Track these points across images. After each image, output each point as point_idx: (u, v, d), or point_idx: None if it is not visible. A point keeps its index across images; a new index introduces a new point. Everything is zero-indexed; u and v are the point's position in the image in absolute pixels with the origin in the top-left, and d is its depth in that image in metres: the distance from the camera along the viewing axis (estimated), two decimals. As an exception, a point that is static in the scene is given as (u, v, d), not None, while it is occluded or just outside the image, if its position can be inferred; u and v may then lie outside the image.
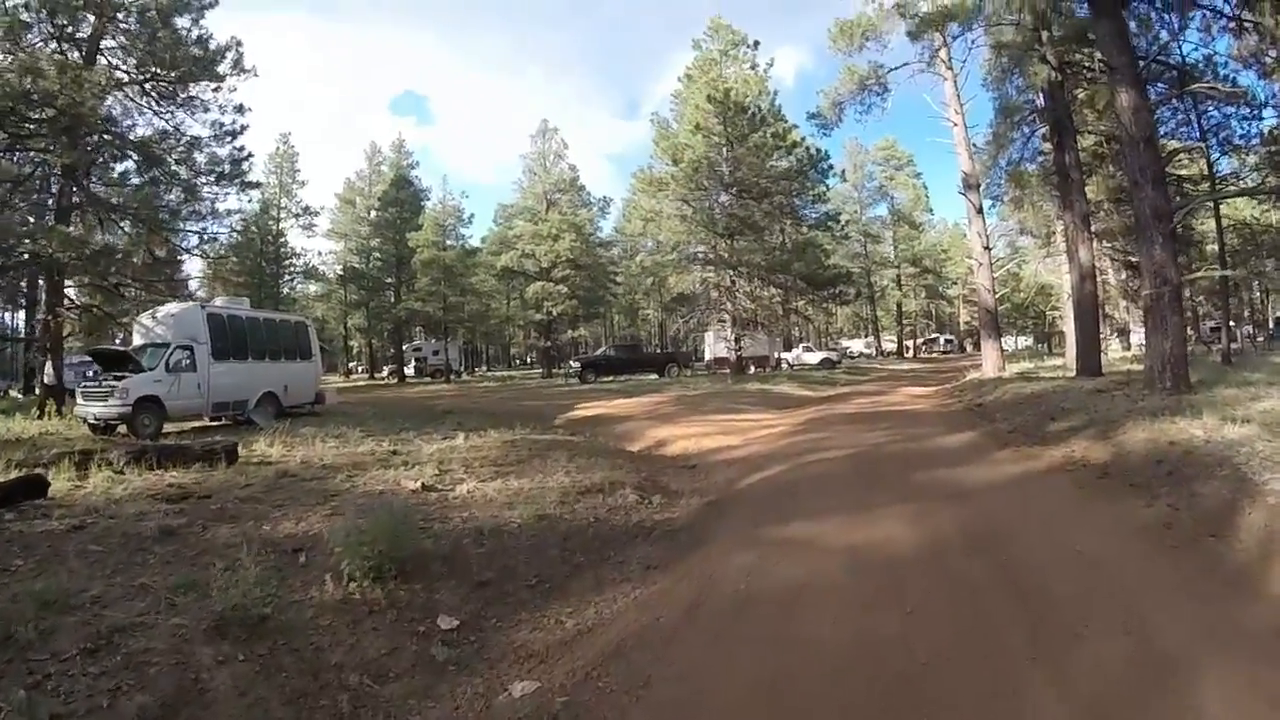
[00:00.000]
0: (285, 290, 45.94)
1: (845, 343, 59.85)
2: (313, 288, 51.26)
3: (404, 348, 49.03)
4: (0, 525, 5.26)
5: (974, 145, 21.79)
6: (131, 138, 18.29)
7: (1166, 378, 10.77)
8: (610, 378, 30.73)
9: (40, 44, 16.15)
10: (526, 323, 47.21)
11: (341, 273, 48.01)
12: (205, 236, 20.89)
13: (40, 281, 19.62)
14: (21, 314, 28.35)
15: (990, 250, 23.09)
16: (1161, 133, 16.02)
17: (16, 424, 13.39)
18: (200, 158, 19.28)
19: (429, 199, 47.13)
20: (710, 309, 31.43)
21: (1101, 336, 20.07)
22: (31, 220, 17.92)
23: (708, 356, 38.21)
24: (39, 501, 6.01)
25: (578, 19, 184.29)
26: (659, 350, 46.47)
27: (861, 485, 7.49)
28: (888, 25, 20.94)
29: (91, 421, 13.09)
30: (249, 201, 26.55)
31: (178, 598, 3.94)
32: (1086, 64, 16.22)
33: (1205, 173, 19.34)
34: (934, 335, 68.46)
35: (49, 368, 17.21)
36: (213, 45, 18.54)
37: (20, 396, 23.50)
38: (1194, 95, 16.18)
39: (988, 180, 21.48)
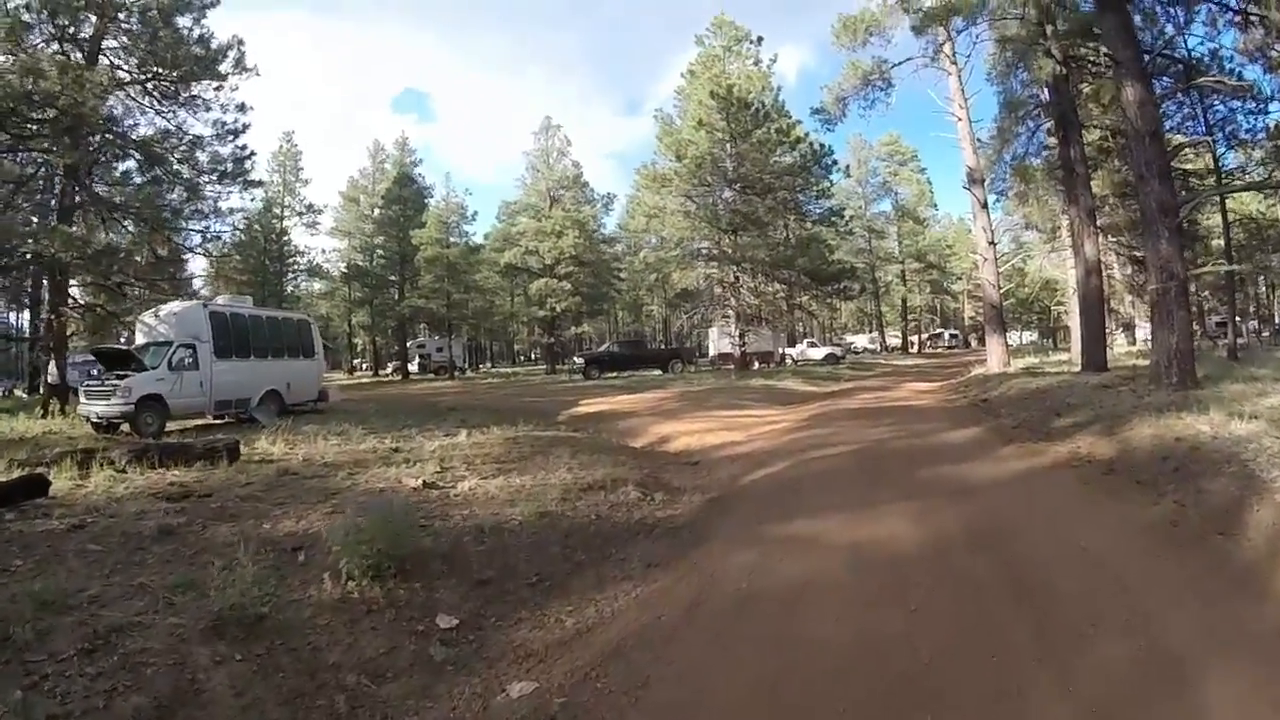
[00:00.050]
0: (289, 288, 46.11)
1: (850, 338, 59.91)
2: (317, 285, 51.46)
3: (408, 345, 49.08)
4: (0, 525, 5.25)
5: (978, 140, 21.69)
6: (133, 137, 18.36)
7: (1173, 373, 10.71)
8: (614, 374, 30.70)
9: (42, 45, 16.17)
10: (530, 319, 47.16)
11: (345, 270, 48.16)
12: (208, 235, 21.03)
13: (44, 281, 19.66)
14: (26, 314, 28.48)
15: (995, 245, 23.02)
16: (1167, 127, 15.91)
17: (20, 423, 13.45)
18: (202, 157, 19.37)
19: (432, 196, 47.22)
20: (714, 305, 31.44)
21: (1107, 331, 19.95)
22: (34, 220, 18.01)
23: (712, 352, 38.21)
24: (40, 501, 6.01)
25: (578, 18, 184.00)
26: (663, 346, 46.47)
27: (865, 482, 7.45)
28: (891, 20, 20.85)
29: (94, 420, 13.13)
30: (252, 200, 26.63)
31: (176, 597, 3.92)
32: (1091, 58, 16.12)
33: (1211, 167, 19.23)
34: (938, 330, 68.27)
35: (53, 367, 17.25)
36: (214, 44, 18.60)
37: (25, 396, 23.58)
38: (1200, 89, 16.10)
39: (992, 175, 21.35)
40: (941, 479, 7.30)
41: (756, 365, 31.76)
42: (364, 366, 58.73)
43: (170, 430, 13.38)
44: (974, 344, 59.74)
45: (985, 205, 22.02)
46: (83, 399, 13.70)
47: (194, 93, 18.71)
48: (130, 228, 18.77)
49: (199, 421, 14.79)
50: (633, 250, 50.56)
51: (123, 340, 21.03)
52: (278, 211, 44.70)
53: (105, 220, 18.23)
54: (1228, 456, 5.86)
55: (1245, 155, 19.08)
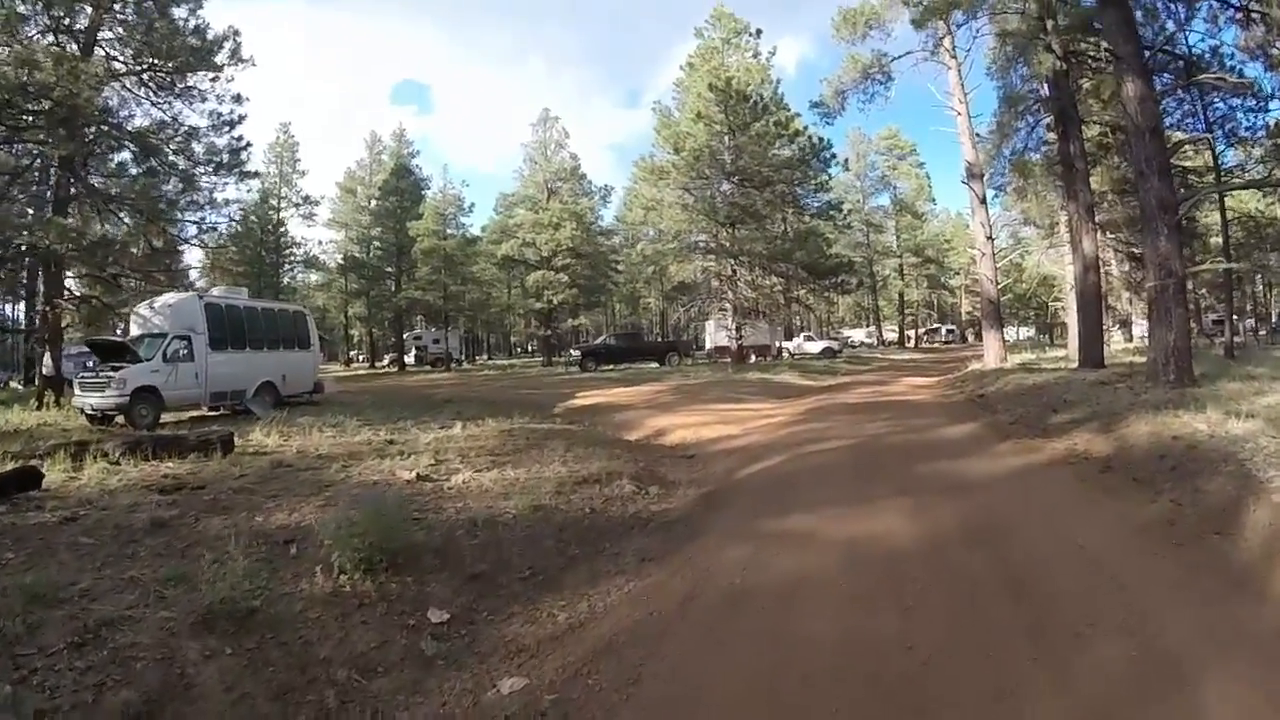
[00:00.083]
0: (286, 280, 45.96)
1: (847, 332, 59.92)
2: (313, 277, 51.29)
3: (404, 337, 49.03)
4: (-8, 517, 5.22)
5: (978, 135, 21.64)
6: (129, 128, 18.19)
7: (1170, 370, 10.70)
8: (610, 366, 30.75)
9: (37, 36, 16.05)
10: (527, 311, 47.14)
11: (342, 262, 48.03)
12: (204, 226, 20.82)
13: (39, 273, 19.58)
14: (21, 306, 28.37)
15: (993, 240, 22.98)
16: (1166, 124, 15.84)
17: (15, 415, 13.39)
18: (198, 148, 19.19)
19: (429, 188, 47.18)
20: (711, 298, 31.41)
21: (1104, 328, 19.97)
22: (30, 212, 17.90)
23: (708, 345, 38.24)
24: (33, 493, 5.97)
25: (579, 10, 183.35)
26: (660, 339, 46.46)
27: (861, 477, 7.44)
28: (891, 13, 20.80)
29: (89, 412, 13.10)
30: (248, 191, 26.66)
31: (167, 590, 3.91)
32: (1092, 53, 16.07)
33: (1210, 165, 19.23)
34: (936, 325, 68.39)
35: (48, 359, 17.18)
36: (210, 35, 18.40)
37: (20, 388, 23.49)
38: (1200, 86, 16.06)
39: (991, 170, 21.32)
40: (938, 475, 7.29)
41: (753, 359, 31.77)
42: (360, 358, 58.70)
43: (165, 422, 13.33)
44: (971, 339, 59.88)
45: (984, 200, 21.98)
46: (77, 391, 13.66)
47: (190, 84, 18.55)
48: (126, 219, 18.62)
49: (194, 413, 14.75)
50: (630, 243, 50.49)
51: (118, 332, 20.99)
52: (274, 203, 44.52)
53: (101, 212, 18.09)
54: (1225, 456, 5.84)
55: (1245, 153, 19.10)
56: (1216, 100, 17.60)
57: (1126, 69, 11.67)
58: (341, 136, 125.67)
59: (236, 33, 18.77)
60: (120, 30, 17.48)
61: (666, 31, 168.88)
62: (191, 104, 18.87)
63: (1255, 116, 17.32)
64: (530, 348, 67.60)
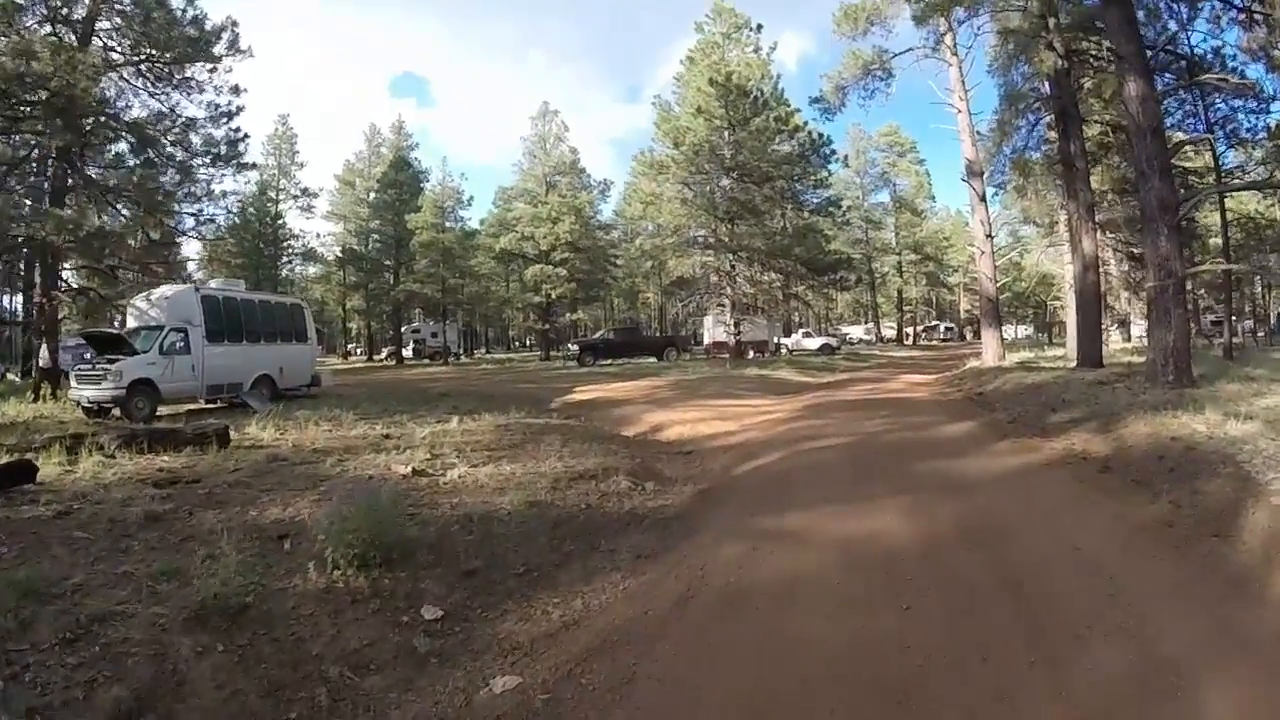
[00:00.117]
0: (284, 272, 45.93)
1: (845, 329, 59.83)
2: (311, 269, 51.32)
3: (402, 330, 48.96)
4: (-14, 511, 5.19)
5: (978, 132, 21.63)
6: (126, 119, 18.09)
7: (1169, 371, 10.70)
8: (609, 361, 30.75)
9: (35, 26, 15.98)
10: (525, 305, 47.01)
11: (340, 254, 47.96)
12: (201, 218, 20.74)
13: (36, 265, 19.48)
14: (18, 297, 28.30)
15: (992, 238, 23.00)
16: (1167, 124, 15.83)
17: (11, 407, 13.37)
18: (196, 139, 19.11)
19: (428, 181, 46.97)
20: (710, 293, 31.36)
21: (1103, 327, 19.96)
22: (27, 203, 17.80)
23: (707, 341, 38.16)
24: (27, 487, 5.93)
25: (579, 5, 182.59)
26: (658, 334, 46.41)
27: (858, 475, 7.42)
28: (892, 10, 20.72)
29: (85, 405, 13.06)
30: (246, 183, 26.44)
31: (159, 586, 3.88)
32: (1094, 52, 16.05)
33: (1210, 165, 19.20)
34: (934, 323, 68.34)
35: (44, 351, 17.13)
36: (208, 26, 18.33)
37: (18, 379, 23.44)
38: (1202, 87, 16.05)
39: (991, 168, 21.31)
40: (936, 474, 7.27)
41: (751, 355, 31.72)
42: (358, 351, 58.58)
43: (161, 415, 13.30)
44: (969, 337, 59.93)
45: (984, 198, 22.00)
46: (74, 383, 13.61)
47: (187, 74, 18.46)
48: (123, 211, 18.56)
49: (190, 406, 14.71)
50: (629, 237, 50.52)
51: (116, 324, 20.93)
52: (272, 195, 44.45)
53: (98, 203, 18.03)
54: (1223, 457, 5.83)
55: (1245, 154, 19.07)
56: (1218, 101, 17.59)
57: (1128, 68, 11.64)
58: (340, 129, 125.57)
59: (235, 23, 18.74)
60: (118, 20, 17.40)
61: (667, 26, 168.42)
62: (189, 95, 18.81)
63: (1256, 118, 17.36)
64: (528, 342, 67.65)
